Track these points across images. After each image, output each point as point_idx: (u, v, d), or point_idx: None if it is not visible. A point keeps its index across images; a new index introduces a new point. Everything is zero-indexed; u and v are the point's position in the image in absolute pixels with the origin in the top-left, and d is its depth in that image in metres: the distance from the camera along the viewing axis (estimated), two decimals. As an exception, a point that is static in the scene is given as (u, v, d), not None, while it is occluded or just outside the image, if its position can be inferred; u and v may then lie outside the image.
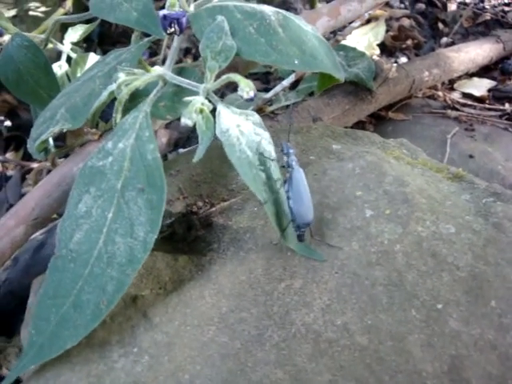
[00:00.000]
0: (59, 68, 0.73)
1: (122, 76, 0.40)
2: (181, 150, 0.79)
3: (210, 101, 0.38)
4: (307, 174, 0.46)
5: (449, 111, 0.83)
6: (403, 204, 0.42)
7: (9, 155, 1.00)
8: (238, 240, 0.42)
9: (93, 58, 0.79)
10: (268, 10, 0.41)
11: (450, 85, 0.91)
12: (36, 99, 0.63)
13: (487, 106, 0.85)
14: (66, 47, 0.72)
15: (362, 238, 0.40)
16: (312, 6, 0.67)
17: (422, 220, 0.40)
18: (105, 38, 1.21)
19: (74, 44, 0.76)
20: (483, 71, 0.94)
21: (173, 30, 0.43)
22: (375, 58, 0.87)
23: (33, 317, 0.39)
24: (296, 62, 0.40)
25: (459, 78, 0.91)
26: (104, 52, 1.19)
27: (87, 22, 1.13)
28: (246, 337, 0.36)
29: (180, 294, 0.40)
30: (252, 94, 0.37)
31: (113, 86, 0.42)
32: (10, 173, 0.94)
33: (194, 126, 0.37)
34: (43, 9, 1.13)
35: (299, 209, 0.39)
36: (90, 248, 0.37)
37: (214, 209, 0.46)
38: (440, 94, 0.88)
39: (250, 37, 0.40)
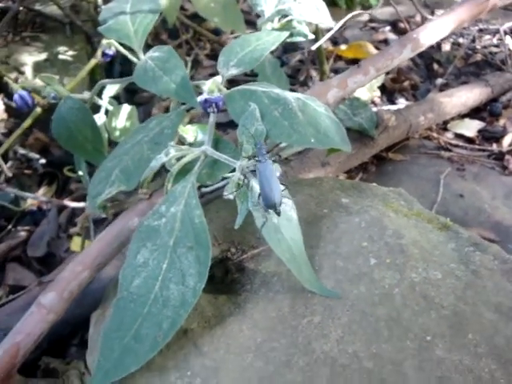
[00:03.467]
0: (98, 119, 0.83)
1: (172, 152, 0.50)
2: (203, 190, 0.88)
3: (245, 176, 0.48)
4: (321, 226, 0.56)
5: (442, 152, 0.93)
6: (400, 254, 0.51)
7: (42, 190, 1.10)
8: (268, 283, 0.52)
9: (125, 109, 0.90)
10: (290, 96, 0.51)
11: (444, 125, 1.01)
12: (83, 152, 0.73)
13: (477, 146, 0.95)
14: (104, 102, 0.83)
15: (367, 283, 0.50)
16: (321, 67, 0.77)
17: (415, 268, 0.50)
18: (124, 75, 1.31)
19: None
20: (473, 111, 1.04)
21: (211, 110, 0.54)
22: (375, 108, 0.97)
23: (100, 347, 0.48)
24: (312, 140, 0.50)
25: (452, 118, 1.01)
26: (126, 91, 1.29)
27: (120, 74, 1.24)
28: (277, 362, 0.46)
29: (223, 328, 0.49)
30: (277, 174, 0.47)
31: (162, 157, 0.52)
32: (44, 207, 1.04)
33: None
34: (71, 52, 1.24)
35: (263, 193, 0.46)
36: (148, 292, 0.47)
37: (245, 255, 0.55)
38: (434, 134, 0.98)
39: (275, 120, 0.50)
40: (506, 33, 1.27)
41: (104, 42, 1.01)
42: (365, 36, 1.38)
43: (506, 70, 1.12)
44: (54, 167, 1.10)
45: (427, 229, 0.56)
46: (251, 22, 1.46)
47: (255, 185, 0.47)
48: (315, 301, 0.50)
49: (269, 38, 0.57)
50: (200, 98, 0.53)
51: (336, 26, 0.64)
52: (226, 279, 0.54)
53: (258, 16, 0.66)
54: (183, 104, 0.65)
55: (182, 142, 0.69)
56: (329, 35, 0.67)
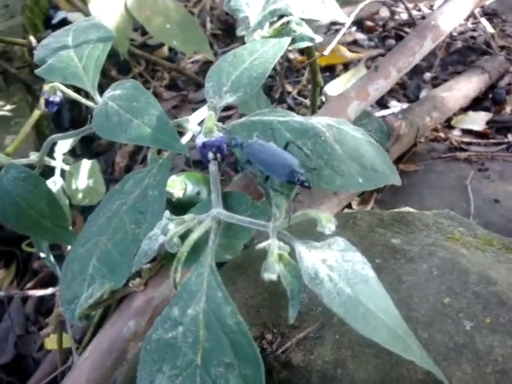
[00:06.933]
0: (54, 184, 0.68)
1: (171, 228, 0.35)
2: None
3: (284, 241, 0.34)
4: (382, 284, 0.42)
5: (457, 153, 0.81)
6: (501, 308, 0.38)
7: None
8: (330, 379, 0.38)
9: (85, 165, 0.74)
10: (319, 124, 0.37)
11: (447, 122, 0.90)
12: (41, 231, 0.57)
13: (491, 140, 0.85)
14: (58, 162, 0.67)
15: (471, 358, 0.36)
16: (315, 77, 0.64)
17: (528, 325, 0.37)
18: (76, 122, 1.15)
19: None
20: (474, 102, 0.94)
21: (213, 157, 0.39)
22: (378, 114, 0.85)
23: None
24: (360, 180, 0.36)
25: (454, 114, 0.90)
26: (80, 140, 1.13)
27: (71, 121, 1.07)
28: None
29: None
30: (333, 228, 0.33)
31: (158, 236, 0.37)
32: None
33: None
34: (9, 107, 1.07)
35: (271, 166, 0.36)
36: None
37: (289, 343, 0.41)
38: (442, 135, 0.86)
39: (307, 160, 0.36)
40: (480, 15, 1.19)
41: (46, 88, 0.86)
42: (331, 40, 1.27)
43: (494, 53, 1.03)
44: (10, 244, 0.92)
45: (513, 262, 0.43)
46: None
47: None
48: (406, 397, 0.35)
49: (267, 49, 0.44)
50: (196, 143, 0.39)
51: (349, 21, 0.51)
52: (271, 382, 0.39)
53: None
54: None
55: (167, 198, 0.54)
56: (341, 34, 0.54)
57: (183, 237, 0.36)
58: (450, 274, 0.41)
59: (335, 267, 0.32)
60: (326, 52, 0.51)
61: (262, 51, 0.44)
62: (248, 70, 0.43)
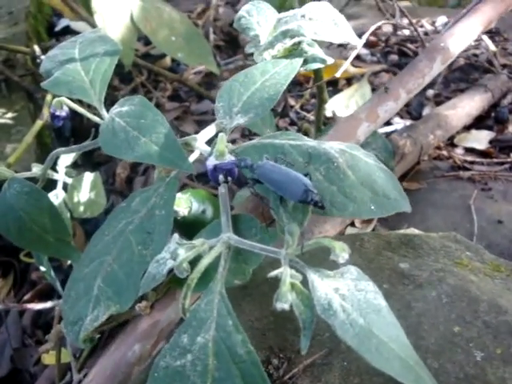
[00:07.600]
0: (56, 197, 0.67)
1: (181, 253, 0.35)
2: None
3: (296, 269, 0.33)
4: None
5: (461, 172, 0.81)
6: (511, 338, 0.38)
7: (-3, 282, 0.91)
8: (338, 408, 0.37)
9: (88, 177, 0.74)
10: (332, 149, 0.37)
11: (450, 140, 0.90)
12: (42, 246, 0.56)
13: (494, 160, 0.85)
14: (60, 175, 0.66)
15: (483, 390, 0.35)
16: (321, 94, 0.64)
17: (540, 357, 0.36)
18: (77, 132, 1.15)
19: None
20: (476, 120, 0.94)
21: (223, 180, 0.39)
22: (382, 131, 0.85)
23: None
24: (372, 207, 0.36)
25: (457, 132, 0.90)
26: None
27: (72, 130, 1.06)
28: None
29: None
30: (347, 256, 0.33)
31: (167, 260, 0.36)
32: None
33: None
34: (11, 114, 1.07)
35: (285, 187, 0.36)
36: None
37: (296, 369, 0.40)
38: (445, 153, 0.86)
39: (320, 185, 0.36)
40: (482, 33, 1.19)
41: (49, 99, 0.85)
42: (334, 54, 1.27)
43: (496, 72, 1.03)
44: (8, 254, 0.91)
45: (523, 290, 0.43)
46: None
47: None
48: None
49: (279, 70, 0.43)
50: (207, 165, 0.38)
51: (361, 43, 0.50)
52: (278, 410, 0.39)
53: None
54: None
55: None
56: (353, 56, 0.54)
57: (192, 261, 0.35)
58: (459, 301, 0.41)
59: (348, 297, 0.32)
60: (338, 74, 0.51)
61: (273, 72, 0.43)
62: (259, 91, 0.42)
